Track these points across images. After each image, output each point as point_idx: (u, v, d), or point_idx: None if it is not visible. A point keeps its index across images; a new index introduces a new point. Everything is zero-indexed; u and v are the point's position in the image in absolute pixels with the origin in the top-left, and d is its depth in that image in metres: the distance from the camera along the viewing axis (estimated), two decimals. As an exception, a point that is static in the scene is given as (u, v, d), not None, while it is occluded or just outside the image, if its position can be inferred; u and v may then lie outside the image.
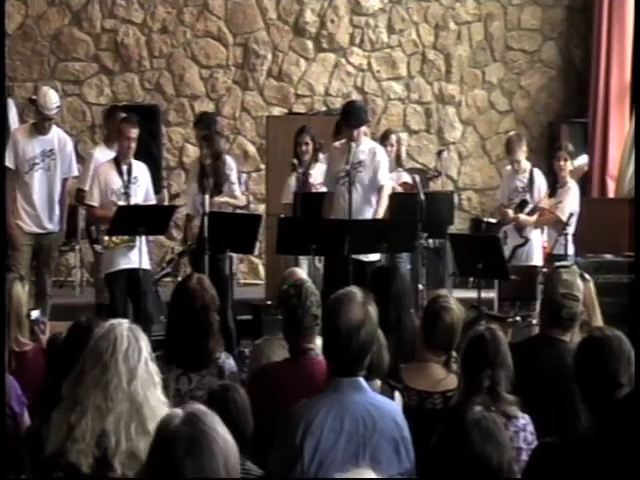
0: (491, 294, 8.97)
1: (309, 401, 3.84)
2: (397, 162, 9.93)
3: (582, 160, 9.53)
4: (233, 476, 2.50)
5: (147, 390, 3.27)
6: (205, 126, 9.72)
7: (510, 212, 9.23)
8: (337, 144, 8.72)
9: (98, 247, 9.33)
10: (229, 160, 9.53)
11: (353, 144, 8.31)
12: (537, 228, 9.35)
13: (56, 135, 9.11)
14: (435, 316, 4.80)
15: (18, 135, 9.10)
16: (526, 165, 9.43)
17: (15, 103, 10.60)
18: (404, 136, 12.18)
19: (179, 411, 2.54)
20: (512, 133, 10.40)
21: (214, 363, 4.90)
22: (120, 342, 3.28)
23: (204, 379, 4.83)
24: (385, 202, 8.50)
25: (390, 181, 8.88)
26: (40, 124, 9.05)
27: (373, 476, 2.47)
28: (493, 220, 10.44)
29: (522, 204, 9.21)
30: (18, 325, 5.38)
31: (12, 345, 5.26)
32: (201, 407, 2.56)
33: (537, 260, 9.25)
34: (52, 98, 9.02)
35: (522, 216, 9.17)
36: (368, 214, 8.43)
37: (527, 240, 9.17)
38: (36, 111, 9.17)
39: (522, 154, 9.37)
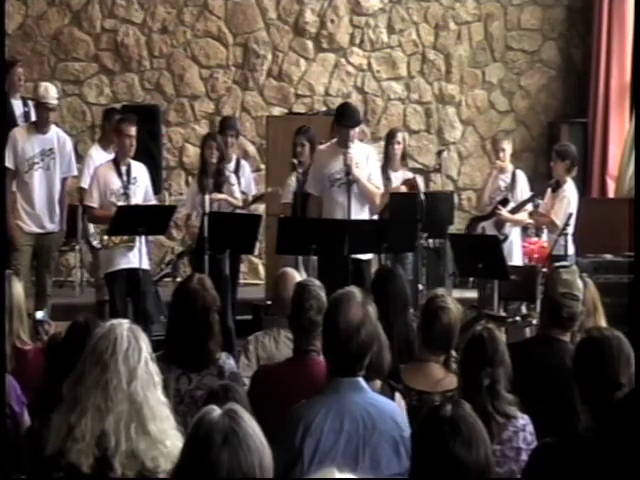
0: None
1: (309, 402, 3.85)
2: (402, 161, 9.92)
3: None
4: (266, 477, 2.51)
5: (147, 390, 3.28)
6: (235, 132, 9.78)
7: (502, 211, 9.28)
8: (323, 147, 8.68)
9: (95, 242, 9.34)
10: (244, 164, 9.64)
11: (351, 144, 8.28)
12: (538, 227, 9.41)
13: (55, 134, 9.13)
14: (433, 316, 4.80)
15: (17, 135, 9.09)
16: (509, 166, 9.56)
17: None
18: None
19: (217, 407, 2.57)
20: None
21: (214, 363, 4.90)
22: (120, 342, 3.28)
23: (204, 379, 4.83)
24: (379, 205, 8.55)
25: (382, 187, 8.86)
26: (41, 119, 9.05)
27: (338, 476, 2.47)
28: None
29: (503, 202, 9.29)
30: (20, 321, 5.35)
31: (14, 340, 5.23)
32: (241, 408, 2.60)
33: (517, 260, 9.32)
34: (53, 90, 9.13)
35: (504, 212, 9.25)
36: (365, 216, 8.44)
37: (506, 237, 9.23)
38: (36, 106, 9.17)
39: (508, 146, 9.49)
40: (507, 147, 9.56)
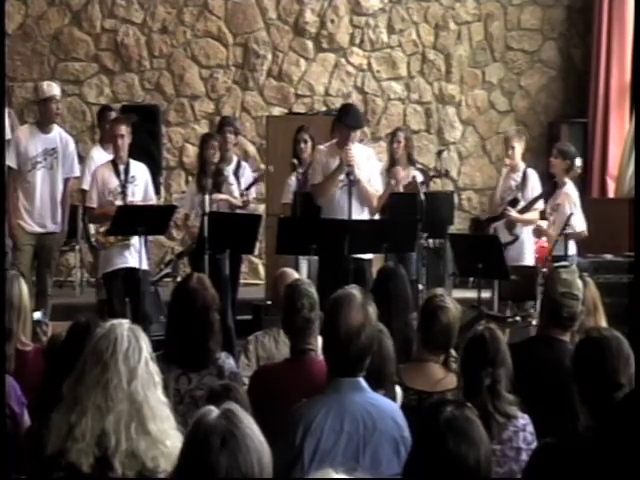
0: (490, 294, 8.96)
1: (309, 401, 3.85)
2: (408, 160, 9.92)
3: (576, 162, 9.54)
4: (265, 476, 2.51)
5: (147, 390, 3.28)
6: (233, 129, 9.79)
7: (512, 211, 9.20)
8: (323, 147, 8.66)
9: (93, 242, 9.39)
10: (245, 165, 9.65)
11: (351, 145, 8.26)
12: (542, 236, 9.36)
13: (58, 134, 9.15)
14: (432, 316, 4.79)
15: (20, 134, 9.12)
16: (521, 164, 9.45)
17: (10, 112, 10.52)
18: (405, 136, 12.17)
19: (214, 408, 2.57)
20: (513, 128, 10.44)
21: (214, 363, 4.89)
22: (120, 342, 3.28)
23: (204, 379, 4.82)
24: (377, 207, 8.54)
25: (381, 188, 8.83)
26: (48, 115, 9.06)
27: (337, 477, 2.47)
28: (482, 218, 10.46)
29: (513, 202, 9.22)
30: (23, 323, 5.34)
31: (15, 343, 5.23)
32: (238, 407, 2.60)
33: (529, 260, 9.24)
34: (54, 84, 9.28)
35: (513, 213, 9.17)
36: (365, 217, 8.43)
37: (517, 237, 9.18)
38: (40, 103, 9.19)
39: (518, 144, 9.38)
40: (517, 145, 9.38)
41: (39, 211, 9.00)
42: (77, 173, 9.32)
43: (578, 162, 9.39)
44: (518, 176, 9.37)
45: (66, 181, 9.16)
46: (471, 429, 2.81)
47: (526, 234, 9.30)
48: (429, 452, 2.80)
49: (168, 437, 3.24)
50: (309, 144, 9.40)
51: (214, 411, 2.55)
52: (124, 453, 3.18)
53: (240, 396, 4.02)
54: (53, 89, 9.11)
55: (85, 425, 3.20)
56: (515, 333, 8.06)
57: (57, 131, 9.17)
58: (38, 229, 9.03)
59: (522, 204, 9.19)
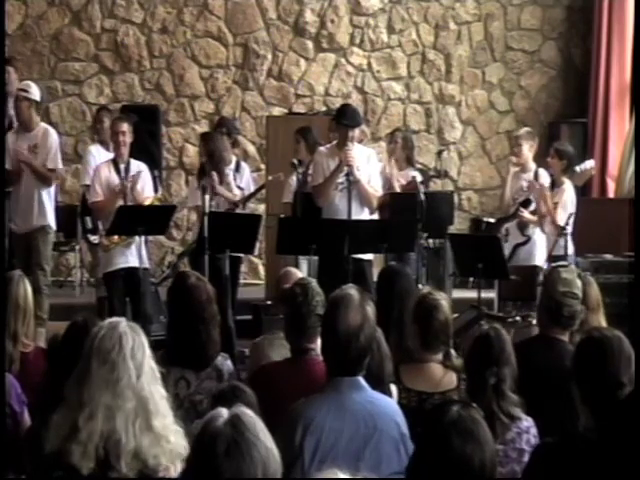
0: (491, 294, 8.96)
1: (308, 400, 3.84)
2: (408, 161, 9.90)
3: (587, 164, 9.50)
4: None
5: (151, 385, 3.29)
6: (227, 131, 9.77)
7: (524, 212, 9.14)
8: (324, 148, 8.64)
9: (92, 237, 9.36)
10: (245, 166, 9.63)
11: (350, 144, 8.23)
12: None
13: (41, 130, 9.14)
14: (429, 316, 4.77)
15: (9, 137, 9.12)
16: (532, 164, 9.37)
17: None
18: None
19: (225, 411, 2.55)
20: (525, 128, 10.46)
21: (212, 365, 4.87)
22: (126, 340, 3.28)
23: (203, 383, 4.80)
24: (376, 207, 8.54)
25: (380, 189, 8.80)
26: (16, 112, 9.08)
27: (340, 476, 2.47)
28: (492, 220, 10.41)
29: (525, 203, 9.16)
30: (27, 325, 5.32)
31: (18, 346, 5.22)
32: (247, 411, 2.58)
33: (539, 260, 9.18)
34: (28, 83, 9.33)
35: (526, 214, 9.11)
36: (364, 217, 8.41)
37: (529, 239, 9.13)
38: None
39: (525, 142, 9.29)
40: (524, 143, 9.22)
41: (24, 208, 8.95)
42: (60, 166, 9.25)
43: (590, 164, 9.35)
44: (529, 176, 9.28)
45: (51, 172, 9.08)
46: (477, 429, 2.81)
47: (538, 235, 9.23)
48: (434, 452, 2.80)
49: (171, 433, 3.25)
50: (302, 144, 9.38)
51: (222, 416, 2.54)
52: (130, 453, 3.18)
53: (248, 397, 3.99)
54: (22, 87, 9.13)
55: (94, 427, 3.19)
56: (515, 333, 8.06)
57: (40, 127, 9.18)
58: (24, 228, 8.98)
59: (534, 205, 9.12)
